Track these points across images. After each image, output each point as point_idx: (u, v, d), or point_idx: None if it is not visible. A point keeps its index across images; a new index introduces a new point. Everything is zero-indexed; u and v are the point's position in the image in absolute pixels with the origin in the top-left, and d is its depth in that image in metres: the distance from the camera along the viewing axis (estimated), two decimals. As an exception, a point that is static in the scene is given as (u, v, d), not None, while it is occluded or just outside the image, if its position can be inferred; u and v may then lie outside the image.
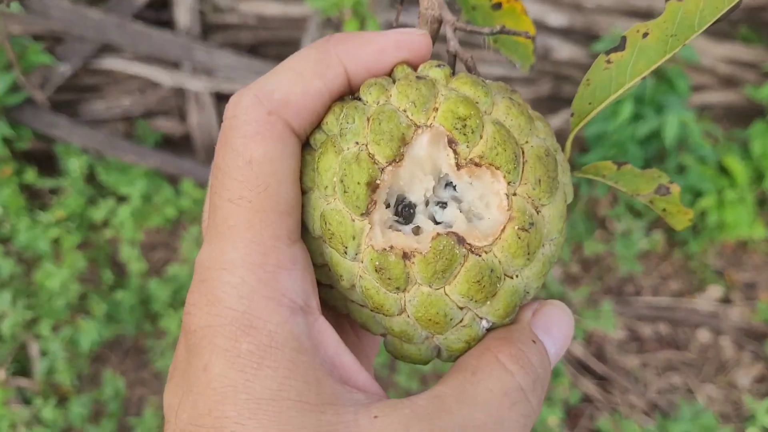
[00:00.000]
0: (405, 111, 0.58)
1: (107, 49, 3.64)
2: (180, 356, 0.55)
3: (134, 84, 3.78)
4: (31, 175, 3.62)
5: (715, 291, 3.74)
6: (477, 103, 0.59)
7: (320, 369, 0.54)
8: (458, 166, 0.58)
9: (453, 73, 0.63)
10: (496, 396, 0.54)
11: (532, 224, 0.58)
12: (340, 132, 0.59)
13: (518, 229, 0.57)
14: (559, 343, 0.63)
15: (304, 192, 0.61)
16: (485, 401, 0.54)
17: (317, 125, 0.62)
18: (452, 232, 0.57)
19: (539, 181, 0.58)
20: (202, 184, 3.73)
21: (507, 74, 3.63)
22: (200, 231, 3.50)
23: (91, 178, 3.82)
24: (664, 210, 0.70)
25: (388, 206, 0.59)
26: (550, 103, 3.80)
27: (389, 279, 0.57)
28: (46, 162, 3.82)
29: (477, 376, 0.56)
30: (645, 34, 0.60)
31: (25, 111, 3.56)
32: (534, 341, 0.60)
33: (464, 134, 0.57)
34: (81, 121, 3.78)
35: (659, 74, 3.33)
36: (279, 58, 3.72)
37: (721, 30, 3.79)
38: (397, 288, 0.57)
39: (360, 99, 0.61)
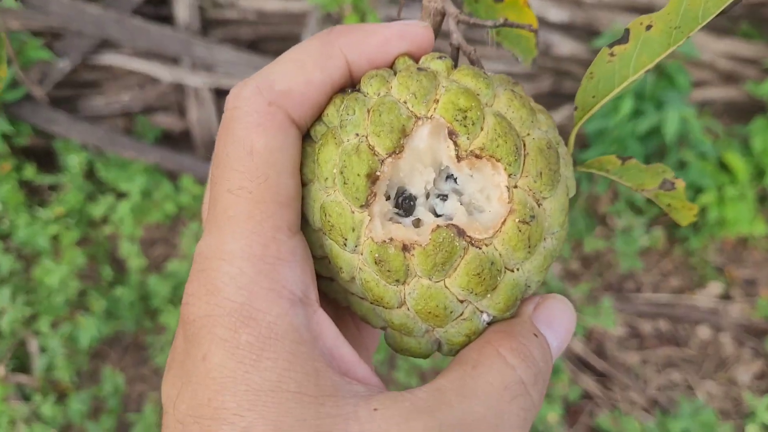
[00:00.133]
0: (405, 102, 0.58)
1: (106, 44, 3.63)
2: (178, 346, 0.55)
3: (133, 80, 3.78)
4: (30, 171, 3.62)
5: (715, 287, 3.74)
6: (478, 95, 0.58)
7: (320, 360, 0.53)
8: (459, 158, 0.58)
9: (455, 66, 0.62)
10: (496, 389, 0.54)
11: (533, 217, 0.57)
12: (340, 123, 0.59)
13: (519, 221, 0.57)
14: (560, 336, 0.63)
15: (304, 184, 0.61)
16: (486, 394, 0.54)
17: (318, 117, 0.62)
18: (452, 225, 0.56)
19: (540, 173, 0.58)
20: (202, 180, 3.72)
21: (507, 70, 3.62)
22: (200, 227, 3.50)
23: (90, 174, 3.81)
24: (668, 205, 0.70)
25: (388, 198, 0.59)
26: (551, 99, 3.79)
27: (389, 271, 0.57)
28: (46, 158, 3.81)
29: (478, 369, 0.55)
30: (648, 27, 0.59)
31: (24, 107, 3.56)
32: (536, 335, 0.60)
33: (465, 126, 0.57)
34: (80, 116, 3.77)
35: (659, 70, 3.32)
36: (279, 53, 3.66)
37: (722, 25, 3.79)
38: (397, 280, 0.57)
39: (361, 91, 0.60)
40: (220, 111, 3.78)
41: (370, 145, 0.57)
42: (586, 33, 3.64)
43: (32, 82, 3.46)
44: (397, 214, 0.59)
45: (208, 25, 3.63)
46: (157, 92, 3.80)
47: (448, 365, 0.58)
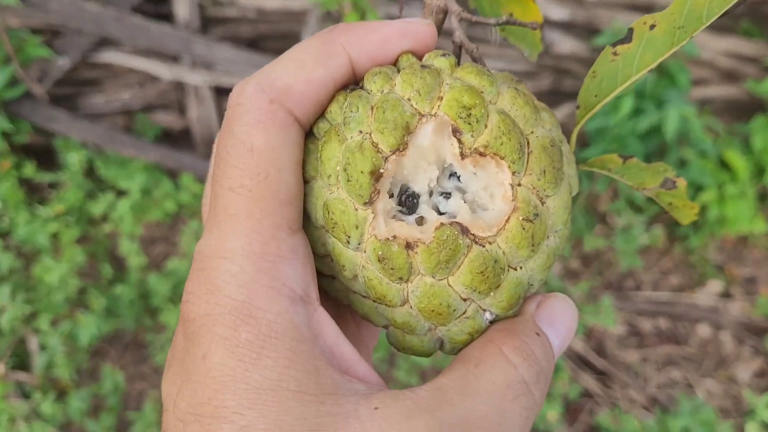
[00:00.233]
0: (409, 100, 0.58)
1: (106, 42, 3.63)
2: (178, 345, 0.55)
3: (133, 78, 3.77)
4: (30, 169, 3.61)
5: (715, 286, 3.74)
6: (482, 92, 0.59)
7: (320, 359, 0.53)
8: (462, 156, 0.58)
9: (458, 64, 0.62)
10: (498, 388, 0.54)
11: (536, 215, 0.58)
12: (343, 121, 0.59)
13: (523, 219, 0.57)
14: (562, 335, 0.63)
15: (307, 181, 0.61)
16: (488, 393, 0.54)
17: (321, 114, 0.62)
18: (456, 222, 0.56)
19: (544, 171, 0.58)
20: (202, 179, 3.72)
21: (508, 68, 3.62)
22: (200, 225, 3.50)
23: (90, 172, 3.81)
24: (669, 204, 0.70)
25: (391, 196, 0.59)
26: (551, 97, 3.79)
27: (392, 269, 0.57)
28: (45, 156, 3.81)
29: (480, 368, 0.56)
30: (652, 26, 0.59)
31: (23, 105, 3.55)
32: (538, 334, 0.60)
33: (469, 123, 0.57)
34: (80, 114, 3.77)
35: (660, 68, 3.32)
36: (279, 51, 3.68)
37: (723, 24, 3.78)
38: (400, 278, 0.57)
39: (364, 88, 0.60)
40: (220, 109, 3.78)
41: (373, 142, 0.57)
42: (587, 31, 3.63)
43: (32, 80, 3.46)
44: (400, 212, 0.59)
45: (207, 23, 3.62)
46: (157, 90, 3.80)
47: (450, 364, 0.58)
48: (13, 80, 3.43)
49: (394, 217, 0.58)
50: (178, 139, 3.98)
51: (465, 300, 0.59)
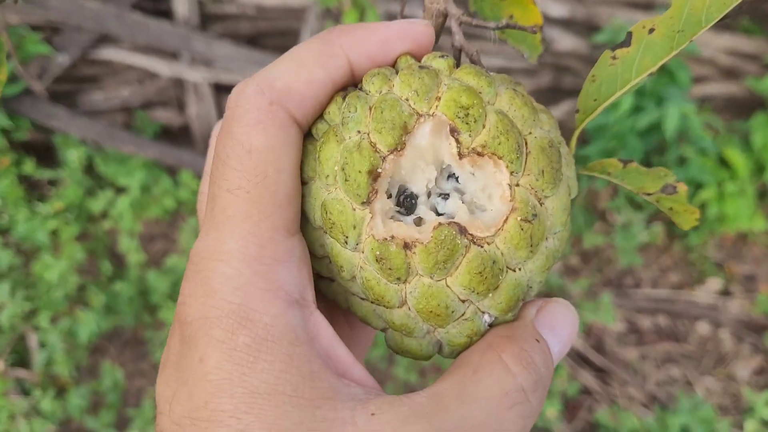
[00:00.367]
0: (407, 100, 0.58)
1: (105, 39, 3.62)
2: (174, 347, 0.55)
3: (133, 74, 3.77)
4: (29, 166, 3.61)
5: (714, 283, 3.74)
6: (480, 93, 0.58)
7: (317, 362, 0.53)
8: (460, 156, 0.57)
9: (458, 66, 0.62)
10: (496, 396, 0.54)
11: (535, 215, 0.57)
12: (342, 121, 0.59)
13: (521, 220, 0.57)
14: (563, 341, 0.62)
15: (305, 182, 0.61)
16: (485, 400, 0.54)
17: (320, 116, 0.62)
18: (454, 222, 0.56)
19: (542, 172, 0.58)
20: (201, 175, 3.71)
21: (508, 65, 3.62)
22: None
23: (89, 169, 3.81)
24: (670, 209, 0.70)
25: (389, 197, 0.59)
26: (551, 95, 3.79)
27: (390, 269, 0.56)
28: (45, 153, 3.81)
29: (478, 374, 0.55)
30: (651, 30, 0.59)
31: (23, 101, 3.55)
32: (538, 340, 0.59)
33: (467, 123, 0.57)
34: (79, 111, 3.77)
35: (660, 66, 3.31)
36: (278, 48, 3.71)
37: (723, 21, 3.78)
38: (398, 278, 0.57)
39: (362, 89, 0.60)
40: (219, 106, 3.78)
41: (371, 142, 0.57)
42: (586, 28, 3.63)
43: (31, 77, 3.46)
44: (398, 212, 0.59)
45: (207, 20, 3.62)
46: (157, 87, 3.80)
47: (448, 368, 0.58)
48: (13, 77, 3.43)
49: (392, 217, 0.58)
50: (178, 136, 3.97)
51: (463, 301, 0.58)
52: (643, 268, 3.77)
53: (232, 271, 0.53)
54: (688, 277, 3.78)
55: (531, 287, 0.61)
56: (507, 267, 0.58)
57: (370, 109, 0.58)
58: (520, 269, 0.59)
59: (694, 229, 3.78)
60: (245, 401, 0.50)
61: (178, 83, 3.78)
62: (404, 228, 0.57)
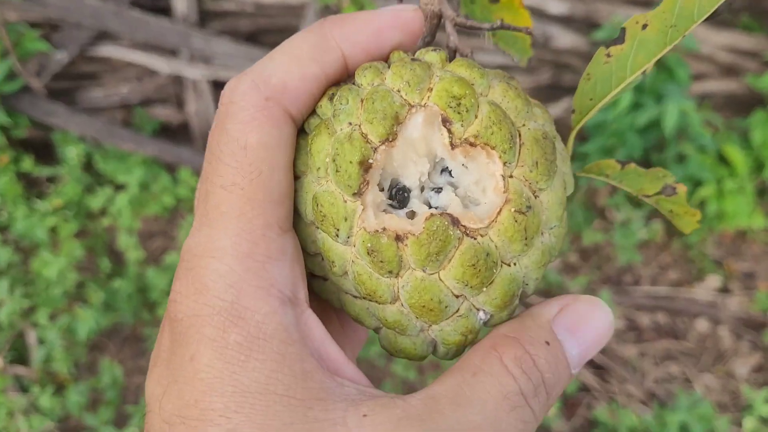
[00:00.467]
0: (399, 91, 0.57)
1: (104, 36, 3.62)
2: (164, 345, 0.55)
3: (132, 72, 3.77)
4: (28, 164, 3.61)
5: (713, 281, 3.74)
6: (473, 84, 0.58)
7: (309, 361, 0.53)
8: (452, 146, 0.57)
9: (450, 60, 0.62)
10: (494, 399, 0.53)
11: (529, 207, 0.57)
12: (333, 113, 0.59)
13: (515, 211, 0.56)
14: (586, 344, 0.60)
15: (297, 177, 0.61)
16: (482, 404, 0.53)
17: (312, 110, 0.61)
18: (446, 213, 0.56)
19: (536, 163, 0.58)
20: (200, 173, 3.70)
21: (506, 63, 3.62)
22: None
23: (88, 166, 3.81)
24: (670, 211, 0.69)
25: (382, 190, 0.58)
26: (550, 92, 3.79)
27: (381, 262, 0.56)
28: (44, 150, 3.81)
29: (477, 377, 0.54)
30: (644, 26, 0.59)
31: (22, 99, 3.55)
32: (548, 342, 0.58)
33: (459, 113, 0.56)
34: (78, 108, 3.77)
35: (659, 63, 3.31)
36: (277, 45, 3.69)
37: (722, 18, 3.77)
38: (390, 272, 0.56)
39: (355, 83, 0.60)
40: (218, 103, 3.77)
41: (363, 133, 0.57)
42: (586, 25, 3.63)
43: (30, 74, 3.45)
44: (390, 206, 0.59)
45: (206, 17, 3.62)
46: (156, 84, 3.79)
47: (448, 369, 0.57)
48: (12, 74, 3.42)
49: (384, 211, 0.58)
50: (177, 133, 3.97)
51: (457, 297, 0.58)
52: (642, 265, 3.77)
53: (224, 268, 0.53)
54: (687, 274, 3.78)
55: (527, 284, 0.61)
56: (501, 261, 0.57)
57: (362, 101, 0.58)
58: (515, 264, 0.58)
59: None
60: (235, 400, 0.49)
61: (177, 80, 3.78)
62: (396, 220, 0.56)
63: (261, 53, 3.49)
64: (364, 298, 0.60)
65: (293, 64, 0.59)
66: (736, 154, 3.65)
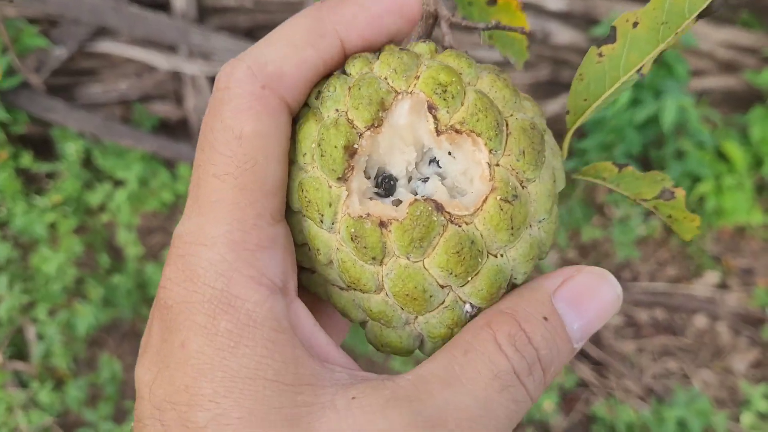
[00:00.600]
0: (386, 78, 0.58)
1: (103, 32, 3.61)
2: (154, 332, 0.55)
3: (131, 68, 3.76)
4: (27, 159, 3.61)
5: (712, 277, 3.74)
6: (460, 73, 0.58)
7: (299, 348, 0.53)
8: (438, 132, 0.57)
9: None
10: (484, 378, 0.52)
11: (515, 196, 0.56)
12: (321, 101, 0.59)
13: (500, 199, 0.56)
14: (588, 317, 0.58)
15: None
16: (472, 383, 0.52)
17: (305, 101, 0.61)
18: (431, 199, 0.56)
19: (523, 152, 0.57)
20: (199, 168, 3.71)
21: (504, 59, 3.61)
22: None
23: (87, 162, 3.81)
24: (669, 216, 0.67)
25: (369, 178, 0.59)
26: (549, 88, 3.78)
27: (365, 248, 0.56)
28: (43, 146, 3.81)
29: (468, 355, 0.54)
30: (635, 24, 0.59)
31: (20, 95, 3.55)
32: (546, 317, 0.56)
33: (444, 99, 0.56)
34: (77, 104, 3.76)
35: (657, 59, 3.31)
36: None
37: (721, 15, 3.77)
38: (374, 258, 0.56)
39: (345, 72, 0.60)
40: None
41: (348, 118, 0.57)
42: (585, 21, 3.62)
43: (29, 70, 3.45)
44: (377, 194, 0.59)
45: (205, 13, 3.61)
46: (154, 80, 3.79)
47: (440, 348, 0.57)
48: (10, 70, 3.42)
49: (370, 198, 0.58)
50: (175, 129, 3.97)
51: (443, 287, 0.57)
52: (640, 261, 3.77)
53: (215, 257, 0.53)
54: (685, 270, 3.78)
55: (516, 278, 0.60)
56: (488, 252, 0.57)
57: (349, 88, 0.58)
58: (501, 255, 0.58)
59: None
60: (225, 385, 0.49)
61: (176, 76, 3.77)
62: (380, 206, 0.56)
63: (260, 49, 3.49)
64: (349, 286, 0.60)
65: (291, 51, 0.58)
66: (734, 150, 3.64)
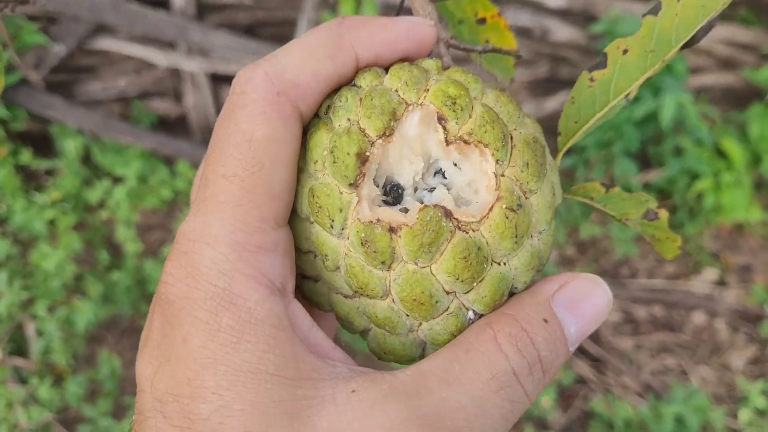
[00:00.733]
0: (396, 90, 0.59)
1: (102, 29, 3.61)
2: (155, 326, 0.56)
3: (130, 65, 3.76)
4: (26, 156, 3.62)
5: (710, 273, 3.75)
6: (467, 88, 0.60)
7: (299, 345, 0.54)
8: (447, 142, 0.59)
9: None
10: (482, 378, 0.53)
11: (520, 206, 0.58)
12: (333, 111, 0.60)
13: (506, 208, 0.57)
14: (584, 321, 0.60)
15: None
16: (469, 383, 0.53)
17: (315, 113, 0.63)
18: (440, 206, 0.57)
19: (527, 164, 0.59)
20: (198, 166, 3.70)
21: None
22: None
23: (86, 159, 3.81)
24: (652, 236, 0.70)
25: (377, 186, 0.60)
26: (548, 85, 3.78)
27: (375, 252, 0.57)
28: (42, 143, 3.81)
29: (469, 354, 0.55)
30: (625, 51, 0.60)
31: (19, 92, 3.55)
32: (546, 320, 0.58)
33: (454, 111, 0.58)
34: (76, 101, 3.76)
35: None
36: (275, 38, 3.70)
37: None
38: (383, 263, 0.57)
39: (355, 85, 0.62)
40: (216, 96, 3.77)
41: (360, 127, 0.58)
42: (584, 18, 3.62)
43: (28, 67, 3.45)
44: (385, 202, 0.60)
45: (204, 10, 3.61)
46: (153, 77, 3.79)
47: (442, 347, 0.58)
48: (10, 67, 3.42)
49: (379, 205, 0.59)
50: (174, 126, 3.97)
51: (448, 294, 0.58)
52: (639, 258, 3.78)
53: (218, 256, 0.54)
54: (684, 267, 3.79)
55: (516, 287, 0.61)
56: (492, 260, 0.58)
57: (360, 99, 0.59)
58: (504, 263, 0.59)
59: (690, 218, 3.78)
60: (227, 378, 0.50)
61: (175, 73, 3.77)
62: (390, 212, 0.57)
63: (259, 46, 3.49)
64: (355, 292, 0.60)
65: (307, 60, 0.59)
66: (733, 147, 3.65)
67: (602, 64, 0.61)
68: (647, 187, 3.82)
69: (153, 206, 3.73)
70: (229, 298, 0.52)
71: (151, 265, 3.40)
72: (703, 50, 3.78)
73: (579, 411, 3.24)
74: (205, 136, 3.87)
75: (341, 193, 0.58)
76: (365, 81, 0.61)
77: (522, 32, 3.59)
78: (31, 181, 3.75)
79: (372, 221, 0.57)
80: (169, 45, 3.66)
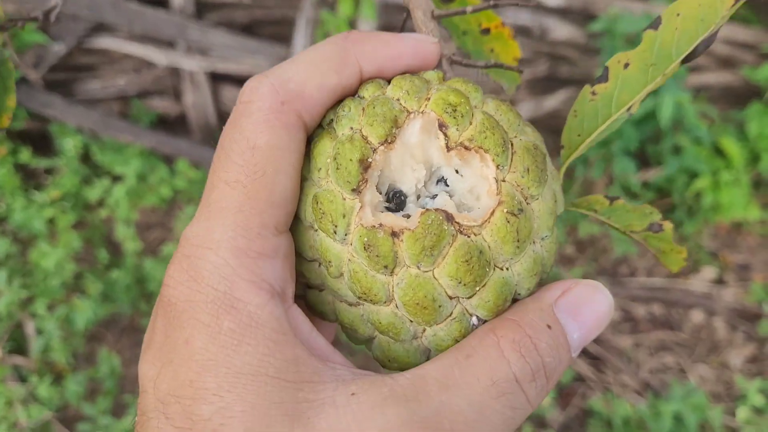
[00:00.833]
0: (398, 100, 0.60)
1: (101, 28, 3.61)
2: (158, 328, 0.56)
3: (129, 63, 3.76)
4: (25, 155, 3.61)
5: (709, 272, 3.75)
6: (468, 97, 0.61)
7: (299, 348, 0.55)
8: (448, 148, 0.59)
9: None
10: (482, 384, 0.53)
11: (521, 210, 0.58)
12: (336, 120, 0.61)
13: (507, 212, 0.58)
14: (586, 327, 0.60)
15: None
16: (469, 388, 0.53)
17: (319, 123, 0.64)
18: (441, 210, 0.57)
19: (528, 170, 0.59)
20: (197, 164, 3.72)
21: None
22: (195, 211, 3.49)
23: (86, 157, 3.81)
24: (657, 248, 0.70)
25: (380, 194, 0.60)
26: (547, 84, 3.78)
27: (377, 256, 0.57)
28: (41, 142, 3.80)
29: (470, 359, 0.55)
30: (626, 65, 0.61)
31: (19, 90, 3.54)
32: (549, 326, 0.58)
33: (455, 118, 0.59)
34: (76, 100, 3.76)
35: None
36: (273, 37, 3.70)
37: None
38: (385, 267, 0.57)
39: (357, 95, 0.63)
40: (215, 95, 3.77)
41: (363, 135, 0.59)
42: (583, 17, 3.62)
43: (27, 66, 3.45)
44: (387, 208, 0.60)
45: (202, 9, 3.61)
46: (153, 76, 3.79)
47: (444, 351, 0.58)
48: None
49: (381, 212, 0.59)
50: (174, 124, 3.97)
51: (451, 299, 0.59)
52: (638, 257, 3.78)
53: (219, 261, 0.54)
54: (682, 265, 3.78)
55: (519, 293, 0.61)
56: (494, 264, 0.59)
57: (363, 108, 0.60)
58: (507, 269, 0.59)
59: (689, 216, 3.78)
60: (228, 380, 0.51)
61: (174, 72, 3.77)
62: (392, 217, 0.58)
63: (257, 45, 3.49)
64: (359, 299, 0.61)
65: (313, 73, 0.61)
66: (732, 146, 3.65)
67: (604, 78, 0.61)
68: (646, 185, 3.82)
69: (152, 205, 3.73)
70: (230, 301, 0.53)
71: (150, 264, 3.40)
72: (702, 49, 3.78)
73: (577, 409, 3.24)
74: (204, 134, 3.86)
75: (344, 199, 0.58)
76: (368, 92, 0.62)
77: (521, 31, 3.59)
78: (30, 179, 3.74)
79: (374, 226, 0.57)
80: (168, 44, 3.66)
